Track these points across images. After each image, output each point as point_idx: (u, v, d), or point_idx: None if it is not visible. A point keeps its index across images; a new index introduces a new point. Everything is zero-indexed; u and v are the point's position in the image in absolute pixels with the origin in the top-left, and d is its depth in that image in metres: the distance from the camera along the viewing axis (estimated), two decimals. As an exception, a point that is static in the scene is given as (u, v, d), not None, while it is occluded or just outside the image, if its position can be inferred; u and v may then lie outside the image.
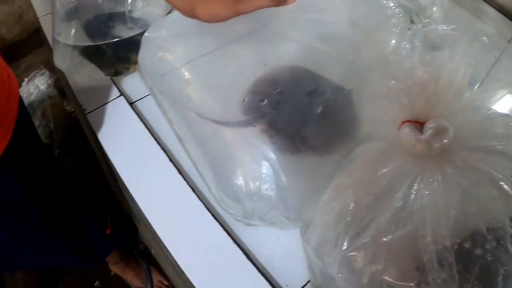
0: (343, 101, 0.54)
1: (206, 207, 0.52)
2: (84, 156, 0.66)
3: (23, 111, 0.49)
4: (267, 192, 0.45)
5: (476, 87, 0.43)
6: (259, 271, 0.48)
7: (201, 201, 0.52)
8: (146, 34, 0.57)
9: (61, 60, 0.70)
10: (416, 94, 0.43)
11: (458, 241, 0.34)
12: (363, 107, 0.52)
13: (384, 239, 0.37)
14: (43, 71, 1.30)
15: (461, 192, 0.36)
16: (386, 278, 0.35)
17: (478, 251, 0.34)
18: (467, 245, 0.34)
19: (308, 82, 0.56)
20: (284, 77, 0.55)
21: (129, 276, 1.07)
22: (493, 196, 0.36)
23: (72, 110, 1.33)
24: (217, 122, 0.52)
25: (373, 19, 0.60)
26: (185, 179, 0.54)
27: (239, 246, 0.49)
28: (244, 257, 0.48)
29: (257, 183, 0.45)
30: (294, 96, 0.54)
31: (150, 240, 0.94)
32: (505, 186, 0.36)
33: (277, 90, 0.52)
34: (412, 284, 0.34)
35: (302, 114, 0.51)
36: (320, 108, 0.52)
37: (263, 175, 0.45)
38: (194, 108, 0.55)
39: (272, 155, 0.45)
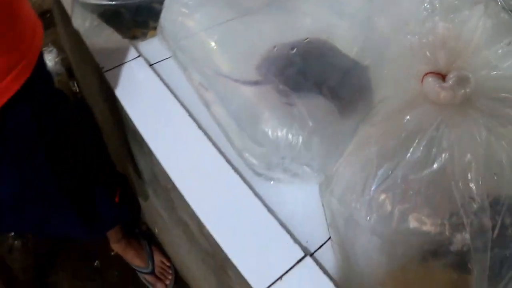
0: (359, 73, 0.55)
1: (227, 162, 0.52)
2: (89, 134, 0.66)
3: (42, 58, 0.49)
4: (293, 138, 0.45)
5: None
6: (281, 225, 0.48)
7: (222, 155, 0.52)
8: None
9: (80, 21, 0.70)
10: (438, 48, 0.44)
11: (487, 176, 0.35)
12: (386, 68, 0.53)
13: (413, 178, 0.37)
14: (51, 48, 1.30)
15: (487, 133, 0.37)
16: (417, 214, 0.36)
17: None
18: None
19: (326, 52, 0.57)
20: (303, 45, 0.56)
21: (130, 255, 1.06)
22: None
23: (78, 90, 1.33)
24: (238, 81, 0.53)
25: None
26: (205, 134, 0.54)
27: (260, 200, 0.49)
28: (265, 210, 0.48)
29: (284, 129, 0.45)
30: (313, 61, 0.55)
31: (154, 217, 0.94)
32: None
33: (294, 52, 0.53)
34: (443, 219, 0.34)
35: (321, 78, 0.52)
36: (337, 77, 0.53)
37: (290, 122, 0.45)
38: (216, 68, 0.55)
39: (298, 102, 0.46)
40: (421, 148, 0.38)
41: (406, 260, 0.43)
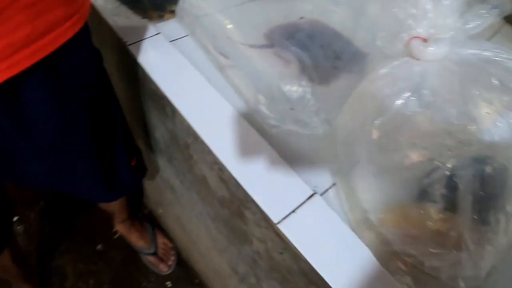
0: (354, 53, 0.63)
1: (243, 117, 0.59)
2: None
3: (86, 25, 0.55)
4: (303, 90, 0.53)
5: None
6: (292, 169, 0.55)
7: (237, 112, 0.59)
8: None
9: (101, 2, 0.78)
10: (420, 18, 0.53)
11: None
12: (377, 39, 0.62)
13: (402, 116, 0.45)
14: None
15: (460, 81, 0.46)
16: (407, 149, 0.44)
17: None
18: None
19: (326, 32, 0.66)
20: (308, 24, 0.65)
21: (134, 237, 1.11)
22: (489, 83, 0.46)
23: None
24: (254, 45, 0.61)
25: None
26: (222, 96, 0.61)
27: (273, 147, 0.56)
28: (277, 155, 0.56)
29: (295, 83, 0.53)
30: (319, 29, 0.63)
31: (161, 194, 0.99)
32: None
33: (303, 20, 0.61)
34: (431, 154, 0.43)
35: (326, 42, 0.60)
36: (339, 43, 0.62)
37: (299, 76, 0.53)
38: (232, 38, 0.63)
39: (307, 60, 0.54)
40: (409, 92, 0.47)
41: (403, 199, 0.51)
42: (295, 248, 0.50)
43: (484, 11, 0.51)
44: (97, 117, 0.58)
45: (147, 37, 0.72)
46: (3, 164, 0.55)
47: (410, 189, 0.50)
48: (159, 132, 0.75)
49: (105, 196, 0.73)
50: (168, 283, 1.13)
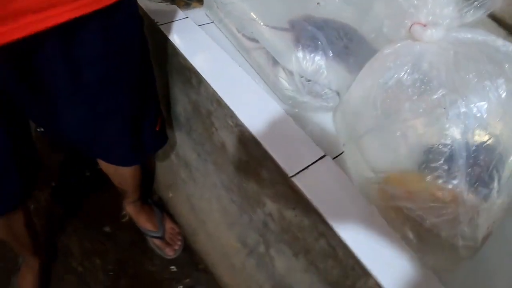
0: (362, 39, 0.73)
1: (264, 90, 0.68)
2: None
3: None
4: (317, 64, 0.62)
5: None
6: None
7: (258, 86, 0.68)
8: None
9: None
10: (421, 7, 0.62)
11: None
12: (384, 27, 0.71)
13: (406, 83, 0.54)
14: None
15: (454, 54, 0.55)
16: (409, 112, 0.52)
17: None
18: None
19: (338, 21, 0.75)
20: (323, 19, 0.74)
21: (142, 219, 1.17)
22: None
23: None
24: (276, 28, 0.70)
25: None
26: (243, 70, 0.70)
27: (288, 115, 0.65)
28: (293, 122, 0.64)
29: (311, 57, 0.62)
30: (330, 22, 0.73)
31: (173, 175, 1.07)
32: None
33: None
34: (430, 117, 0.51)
35: (340, 27, 0.70)
36: (351, 31, 0.71)
37: (315, 51, 0.62)
38: (257, 22, 0.73)
39: (322, 38, 0.63)
40: (410, 65, 0.55)
41: (406, 166, 0.59)
42: (307, 199, 0.57)
43: (477, 3, 0.60)
44: (135, 74, 0.67)
45: (176, 19, 0.81)
46: (46, 112, 0.63)
47: (412, 157, 0.58)
48: (181, 105, 0.83)
49: (127, 155, 0.80)
50: (173, 267, 1.18)
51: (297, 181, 0.58)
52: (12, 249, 1.06)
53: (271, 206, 0.68)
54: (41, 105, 0.62)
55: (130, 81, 0.66)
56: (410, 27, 0.62)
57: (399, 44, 0.61)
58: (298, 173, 0.59)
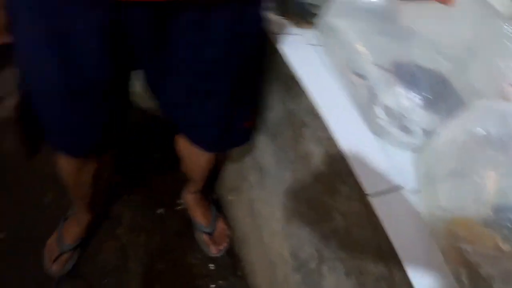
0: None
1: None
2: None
3: None
4: (415, 104, 0.69)
5: None
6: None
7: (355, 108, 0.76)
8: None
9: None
10: None
11: None
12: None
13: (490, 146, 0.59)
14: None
15: None
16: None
17: None
18: None
19: (439, 74, 0.82)
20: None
21: (198, 212, 1.26)
22: None
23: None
24: (381, 67, 0.78)
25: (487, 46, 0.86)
26: (342, 95, 0.78)
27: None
28: (381, 147, 0.71)
29: (411, 96, 0.69)
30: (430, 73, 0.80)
31: (241, 177, 1.15)
32: None
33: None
34: None
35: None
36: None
37: (415, 92, 0.70)
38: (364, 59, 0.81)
39: (423, 83, 0.70)
40: (498, 122, 0.61)
41: (477, 213, 0.63)
42: (378, 220, 0.63)
43: None
44: (245, 66, 0.76)
45: (290, 33, 0.92)
46: (157, 75, 0.73)
47: (484, 207, 0.63)
48: (274, 111, 0.92)
49: (214, 141, 0.88)
50: (211, 266, 1.25)
51: (373, 202, 0.64)
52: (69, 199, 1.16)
53: (339, 221, 0.74)
54: (157, 69, 0.72)
55: (241, 70, 0.76)
56: (503, 86, 0.69)
57: (492, 101, 0.68)
58: (375, 194, 0.65)
